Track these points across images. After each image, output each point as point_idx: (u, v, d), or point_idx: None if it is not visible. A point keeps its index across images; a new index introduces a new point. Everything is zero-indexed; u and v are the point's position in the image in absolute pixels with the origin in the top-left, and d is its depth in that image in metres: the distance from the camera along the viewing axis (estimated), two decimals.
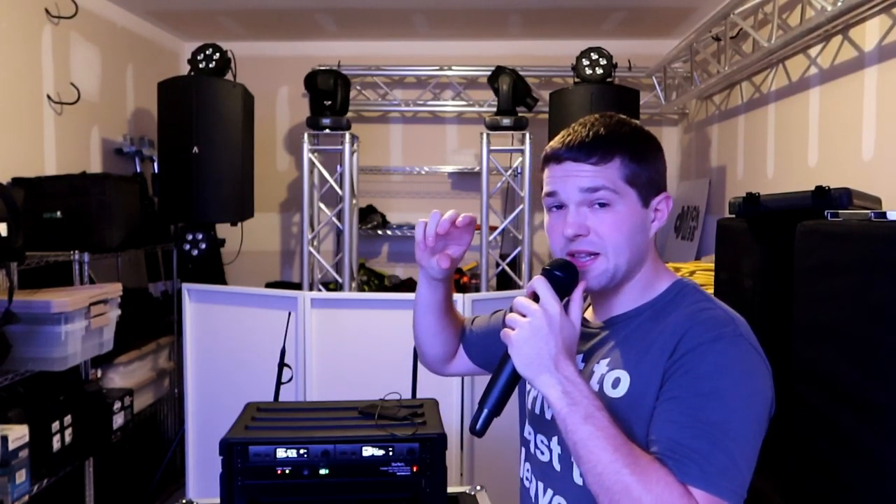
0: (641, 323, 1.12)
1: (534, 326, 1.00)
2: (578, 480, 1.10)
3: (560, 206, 1.13)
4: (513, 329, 1.02)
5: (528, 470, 1.25)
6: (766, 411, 1.02)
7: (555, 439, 1.16)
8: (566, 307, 1.05)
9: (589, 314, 1.23)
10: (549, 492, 1.17)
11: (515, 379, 1.04)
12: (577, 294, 1.08)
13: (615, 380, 1.08)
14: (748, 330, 1.07)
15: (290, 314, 2.60)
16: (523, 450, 1.27)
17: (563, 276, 1.06)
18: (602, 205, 1.10)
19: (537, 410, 1.22)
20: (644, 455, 0.97)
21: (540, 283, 1.03)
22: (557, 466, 1.15)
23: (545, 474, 1.18)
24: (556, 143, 1.14)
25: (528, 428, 1.25)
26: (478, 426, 1.03)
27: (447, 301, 1.38)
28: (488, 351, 1.36)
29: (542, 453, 1.19)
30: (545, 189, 1.15)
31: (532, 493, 1.22)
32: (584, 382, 1.00)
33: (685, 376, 1.01)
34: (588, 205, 1.10)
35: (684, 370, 1.01)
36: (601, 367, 1.12)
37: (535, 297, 1.03)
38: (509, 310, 1.07)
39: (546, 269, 1.08)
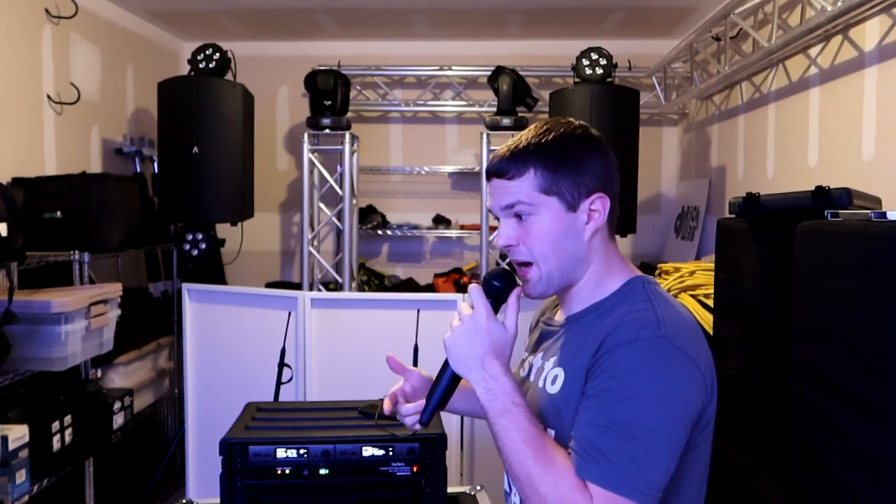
0: (589, 321, 1.16)
1: (463, 329, 1.13)
2: None
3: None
4: (449, 332, 1.15)
5: (508, 482, 1.29)
6: (687, 413, 1.04)
7: None
8: (504, 312, 1.15)
9: (558, 313, 1.27)
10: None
11: (456, 377, 1.17)
12: (512, 299, 1.17)
13: (554, 377, 1.15)
14: (681, 331, 1.07)
15: (290, 314, 2.60)
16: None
17: (500, 286, 1.17)
18: (523, 217, 1.16)
19: None
20: (553, 448, 1.05)
21: (473, 291, 1.15)
22: None
23: None
24: (490, 158, 1.20)
25: None
26: (424, 418, 1.20)
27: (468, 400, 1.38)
28: None
29: None
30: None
31: (506, 485, 1.29)
32: (508, 380, 1.09)
33: (601, 376, 1.05)
34: (514, 217, 1.17)
35: (601, 370, 1.05)
36: (549, 364, 1.19)
37: None
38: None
39: (484, 277, 1.19)
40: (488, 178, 1.20)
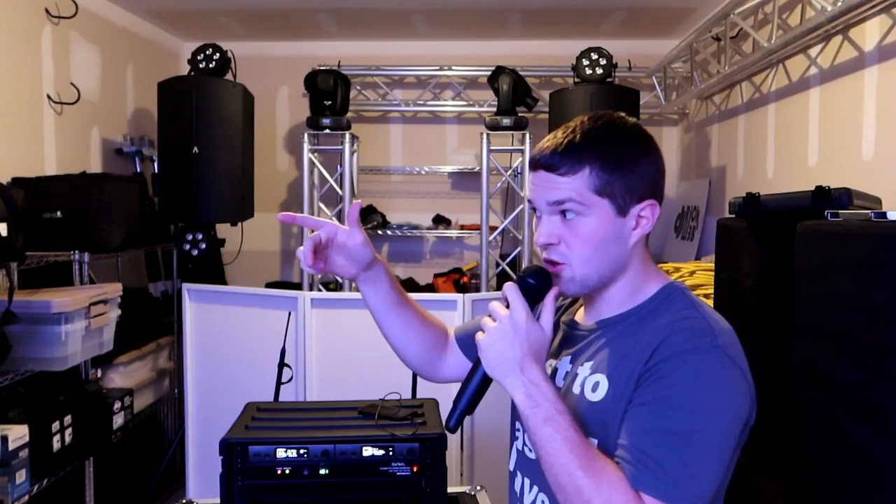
0: (627, 327, 1.12)
1: (501, 331, 1.05)
2: None
3: (537, 213, 1.14)
4: (483, 333, 1.07)
5: (515, 461, 1.27)
6: (737, 423, 1.02)
7: None
8: (539, 313, 1.09)
9: (580, 316, 1.23)
10: (535, 489, 1.18)
11: (487, 380, 1.09)
12: (549, 300, 1.11)
13: (595, 384, 1.10)
14: (730, 341, 1.05)
15: (290, 314, 2.60)
16: (513, 443, 1.28)
17: (535, 284, 1.10)
18: (570, 216, 1.09)
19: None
20: (601, 458, 0.99)
21: (510, 290, 1.07)
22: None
23: (532, 470, 1.18)
24: (537, 148, 1.14)
25: (517, 424, 1.26)
26: (451, 423, 1.10)
27: (395, 292, 1.34)
28: None
29: (531, 451, 1.19)
30: (526, 195, 1.18)
31: (518, 487, 1.24)
32: (548, 386, 1.03)
33: (655, 384, 1.01)
34: (559, 214, 1.10)
35: (655, 378, 1.02)
36: (584, 369, 1.13)
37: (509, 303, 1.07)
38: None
39: (519, 275, 1.12)
40: (534, 169, 1.12)
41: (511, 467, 1.29)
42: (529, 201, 1.15)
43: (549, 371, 1.20)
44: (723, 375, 1.01)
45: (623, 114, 1.16)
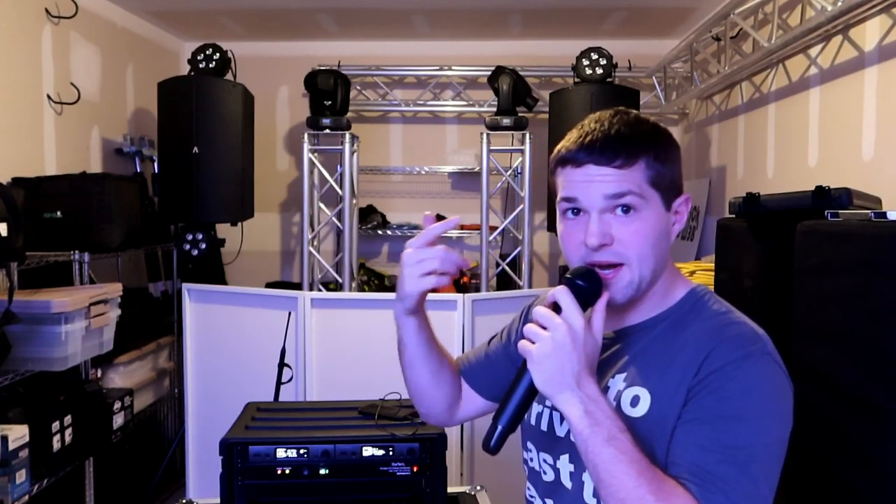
0: (659, 334, 1.05)
1: (556, 341, 0.94)
2: (591, 501, 1.05)
3: (577, 212, 1.04)
4: (533, 342, 0.95)
5: (532, 490, 1.19)
6: (788, 431, 0.99)
7: (564, 457, 1.09)
8: (588, 320, 0.98)
9: None
10: None
11: (533, 394, 0.98)
12: (601, 306, 1.00)
13: (634, 397, 1.02)
14: (773, 346, 1.02)
15: (290, 314, 2.60)
16: (526, 470, 1.21)
17: (587, 287, 0.99)
18: (627, 211, 1.01)
19: (544, 427, 1.14)
20: (667, 480, 0.92)
21: (563, 294, 0.96)
22: (568, 485, 1.09)
23: (553, 492, 1.12)
24: (572, 143, 1.04)
25: (529, 446, 1.18)
26: (492, 444, 0.98)
27: (433, 334, 1.21)
28: (500, 379, 1.17)
29: (546, 473, 1.14)
30: (562, 194, 1.05)
31: None
32: (606, 402, 0.95)
33: (710, 396, 0.95)
34: (610, 211, 1.01)
35: (709, 390, 0.96)
36: (617, 382, 1.05)
37: (556, 308, 0.96)
38: (519, 322, 1.04)
39: (568, 277, 1.00)
40: (577, 164, 1.03)
41: (527, 496, 1.19)
42: (571, 199, 1.04)
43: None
44: (775, 383, 0.98)
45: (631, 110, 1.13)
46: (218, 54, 3.78)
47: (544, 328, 0.95)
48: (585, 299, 0.99)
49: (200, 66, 3.77)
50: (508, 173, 4.30)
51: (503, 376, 1.12)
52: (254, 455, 1.46)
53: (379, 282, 4.83)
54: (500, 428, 0.98)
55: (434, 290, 1.11)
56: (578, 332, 0.95)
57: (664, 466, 0.96)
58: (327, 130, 4.19)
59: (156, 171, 4.06)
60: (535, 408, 1.16)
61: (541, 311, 0.97)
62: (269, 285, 4.68)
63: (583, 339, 0.95)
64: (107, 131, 3.99)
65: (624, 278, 1.02)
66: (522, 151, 4.15)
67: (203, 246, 3.65)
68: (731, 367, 0.96)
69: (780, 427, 0.97)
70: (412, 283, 1.10)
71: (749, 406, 0.94)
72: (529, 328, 0.97)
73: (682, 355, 1.00)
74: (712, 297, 1.09)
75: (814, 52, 2.93)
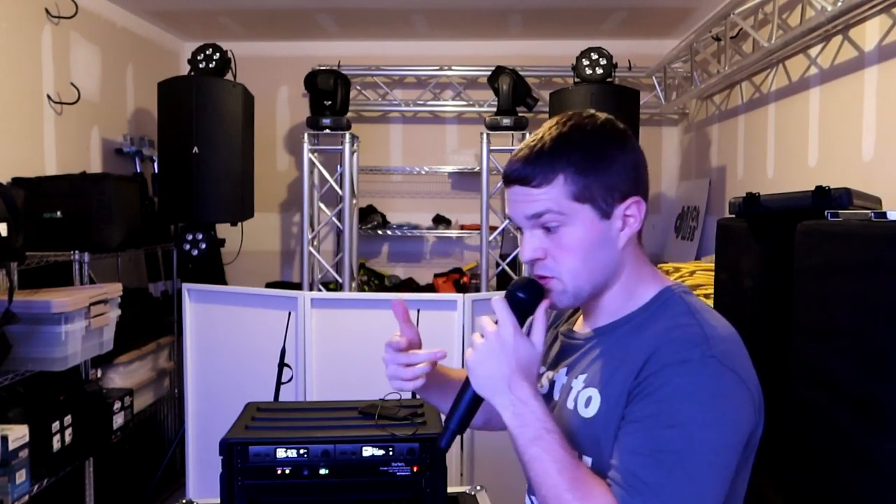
0: (622, 335, 1.06)
1: (488, 348, 1.01)
2: None
3: (519, 228, 1.09)
4: (471, 350, 1.03)
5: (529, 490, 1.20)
6: (739, 436, 0.96)
7: None
8: (529, 327, 1.04)
9: (579, 324, 1.17)
10: None
11: (478, 399, 1.05)
12: (539, 313, 1.05)
13: (588, 398, 1.05)
14: (729, 349, 0.98)
15: (290, 314, 2.60)
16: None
17: (526, 297, 1.05)
18: (550, 229, 1.04)
19: None
20: (591, 480, 0.95)
21: (497, 305, 1.03)
22: None
23: None
24: (508, 161, 1.08)
25: None
26: (443, 443, 1.07)
27: (453, 379, 1.27)
28: None
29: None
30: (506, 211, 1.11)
31: None
32: (538, 404, 0.99)
33: (645, 399, 0.96)
34: (539, 227, 1.05)
35: (645, 393, 0.96)
36: (578, 382, 1.08)
37: None
38: None
39: (509, 289, 1.07)
40: (508, 184, 1.07)
41: None
42: (509, 218, 1.10)
43: (546, 383, 1.16)
44: (719, 387, 0.95)
45: (593, 111, 1.09)
46: (218, 54, 3.78)
47: (483, 337, 1.03)
48: (526, 308, 1.05)
49: (200, 66, 3.77)
50: None
51: None
52: (254, 455, 1.46)
53: (379, 282, 4.84)
54: (450, 428, 1.06)
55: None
56: (507, 340, 1.00)
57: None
58: (327, 130, 4.20)
59: (156, 171, 4.06)
60: None
61: (481, 321, 1.04)
62: (269, 285, 4.68)
63: (513, 345, 1.00)
64: (107, 131, 3.99)
65: (556, 289, 1.06)
66: None
67: (203, 246, 3.65)
68: (668, 370, 0.96)
69: (718, 433, 0.94)
70: (397, 385, 1.20)
71: (681, 410, 0.93)
72: (473, 337, 1.04)
73: (630, 357, 1.01)
74: (681, 300, 1.06)
75: (814, 52, 2.93)
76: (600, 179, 1.03)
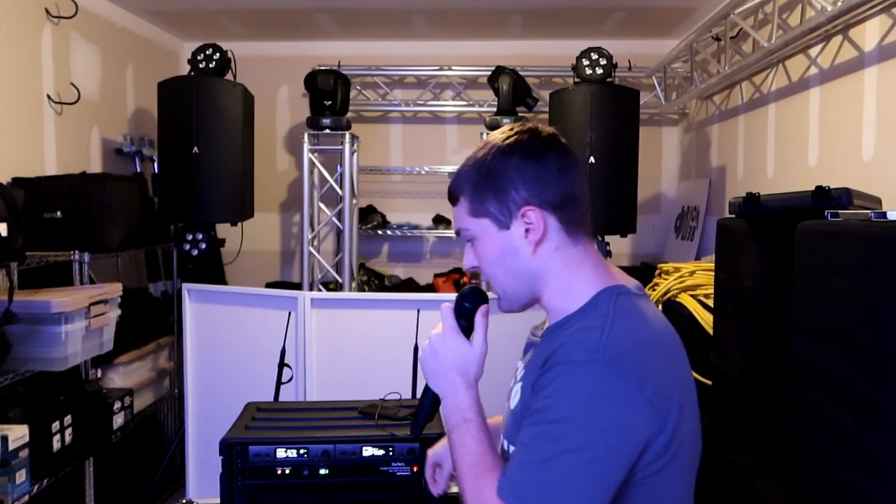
0: (553, 337, 1.10)
1: (431, 348, 1.16)
2: None
3: None
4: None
5: None
6: (623, 443, 0.98)
7: None
8: (471, 330, 1.16)
9: (545, 325, 1.23)
10: None
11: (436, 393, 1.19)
12: (477, 317, 1.16)
13: (516, 392, 1.14)
14: (623, 353, 1.00)
15: (290, 314, 2.60)
16: None
17: (469, 306, 1.17)
18: (472, 242, 1.17)
19: None
20: (487, 465, 1.05)
21: (443, 312, 1.17)
22: None
23: None
24: None
25: None
26: (415, 432, 1.23)
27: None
28: None
29: None
30: None
31: None
32: (466, 398, 1.12)
33: (539, 395, 1.03)
34: (467, 241, 1.18)
35: (540, 388, 1.03)
36: (517, 378, 1.17)
37: None
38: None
39: (456, 297, 1.20)
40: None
41: None
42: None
43: (514, 377, 1.22)
44: (599, 390, 0.98)
45: (515, 125, 1.16)
46: (218, 54, 3.77)
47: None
48: (472, 314, 1.17)
49: (200, 66, 3.77)
50: None
51: None
52: (254, 455, 1.46)
53: (379, 282, 4.84)
54: (419, 420, 1.22)
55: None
56: (446, 342, 1.15)
57: None
58: (327, 130, 4.20)
59: (156, 171, 4.06)
60: None
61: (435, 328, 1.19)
62: (269, 285, 4.68)
63: (450, 346, 1.14)
64: (107, 131, 3.99)
65: (498, 294, 1.19)
66: None
67: (203, 246, 3.65)
68: (557, 368, 1.01)
69: (588, 437, 0.97)
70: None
71: (557, 409, 0.99)
72: (425, 340, 1.20)
73: (545, 355, 1.07)
74: (612, 302, 1.08)
75: (814, 52, 2.93)
76: (491, 194, 1.12)
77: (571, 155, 1.15)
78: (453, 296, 1.23)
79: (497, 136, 1.15)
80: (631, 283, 1.15)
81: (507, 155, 1.12)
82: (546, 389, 1.01)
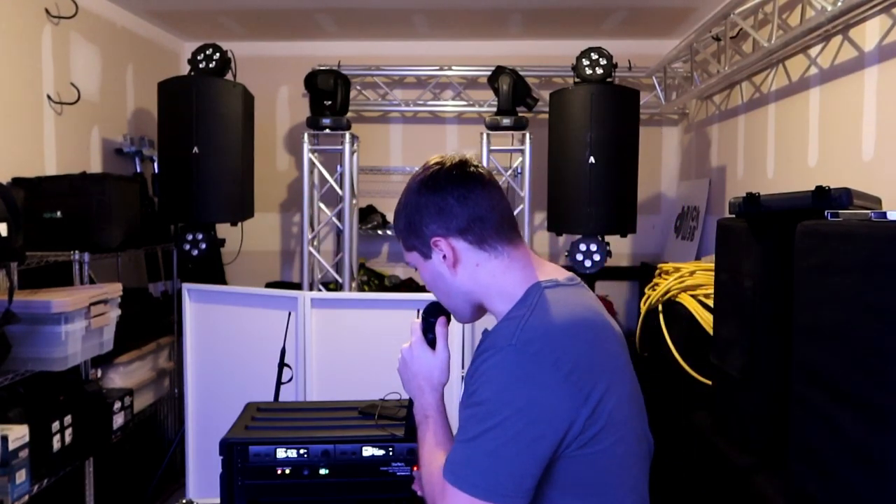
0: (488, 333, 1.21)
1: (402, 358, 1.35)
2: None
3: None
4: None
5: None
6: (539, 419, 1.06)
7: None
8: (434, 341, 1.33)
9: None
10: None
11: None
12: (438, 329, 1.33)
13: (463, 386, 1.22)
14: (537, 337, 1.09)
15: (290, 314, 2.60)
16: None
17: (432, 320, 1.34)
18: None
19: None
20: (438, 453, 1.20)
21: (412, 326, 1.35)
22: None
23: None
24: None
25: None
26: (406, 434, 1.44)
27: None
28: None
29: None
30: None
31: None
32: (429, 399, 1.29)
33: (467, 381, 1.15)
34: None
35: (468, 376, 1.15)
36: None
37: None
38: None
39: (423, 312, 1.35)
40: None
41: None
42: None
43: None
44: (517, 373, 1.07)
45: (431, 159, 1.27)
46: (218, 54, 3.77)
47: None
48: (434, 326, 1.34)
49: (200, 66, 3.77)
50: (508, 173, 4.30)
51: None
52: (254, 455, 1.46)
53: (379, 282, 4.83)
54: (408, 424, 1.40)
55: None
56: (412, 352, 1.33)
57: None
58: (327, 130, 4.19)
59: (156, 171, 4.06)
60: None
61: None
62: (269, 285, 4.68)
63: (416, 357, 1.32)
64: (107, 131, 3.99)
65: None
66: (522, 151, 4.16)
67: (203, 246, 3.65)
68: (483, 356, 1.12)
69: (511, 413, 1.06)
70: None
71: (482, 392, 1.09)
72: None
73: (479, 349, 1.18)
74: (536, 294, 1.17)
75: (814, 52, 2.93)
76: (410, 230, 1.25)
77: (474, 180, 1.22)
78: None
79: (415, 173, 1.28)
80: (562, 275, 1.24)
81: (416, 194, 1.25)
82: (473, 376, 1.12)
